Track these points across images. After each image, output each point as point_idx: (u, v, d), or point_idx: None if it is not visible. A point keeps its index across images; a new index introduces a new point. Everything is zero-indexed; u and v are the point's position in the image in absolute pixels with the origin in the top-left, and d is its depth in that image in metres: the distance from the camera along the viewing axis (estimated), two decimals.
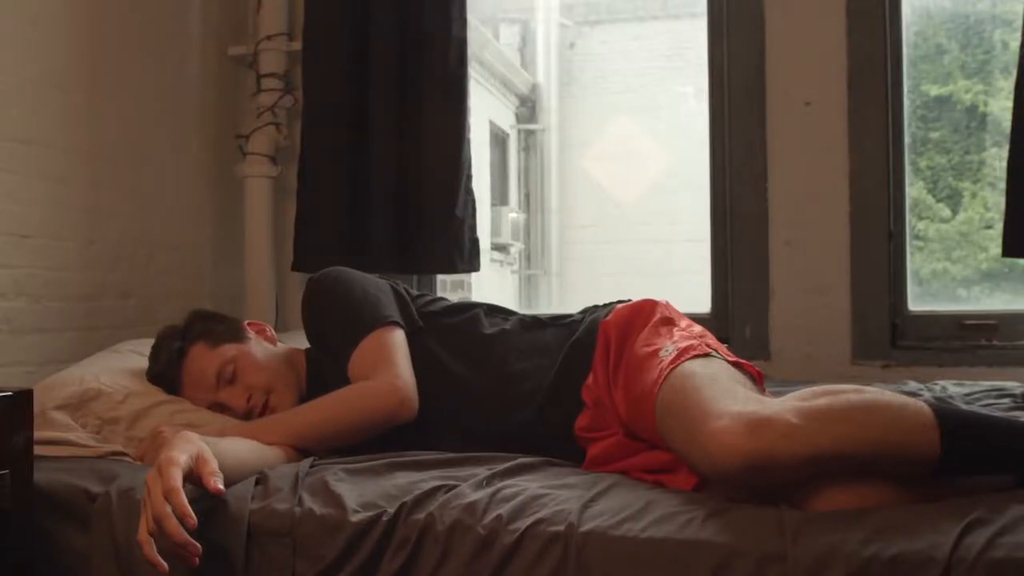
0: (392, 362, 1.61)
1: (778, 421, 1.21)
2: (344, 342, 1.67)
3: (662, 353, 1.48)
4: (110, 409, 1.72)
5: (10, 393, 1.37)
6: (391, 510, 1.29)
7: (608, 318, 1.65)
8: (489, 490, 1.31)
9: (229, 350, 1.74)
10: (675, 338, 1.53)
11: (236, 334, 1.79)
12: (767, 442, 1.20)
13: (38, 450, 1.55)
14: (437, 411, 1.65)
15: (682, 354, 1.45)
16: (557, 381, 1.65)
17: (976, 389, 1.95)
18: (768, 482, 1.24)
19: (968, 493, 1.25)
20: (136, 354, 1.97)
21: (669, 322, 1.61)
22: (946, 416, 1.26)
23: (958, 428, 1.25)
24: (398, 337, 1.68)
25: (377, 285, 1.79)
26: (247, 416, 1.70)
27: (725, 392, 1.33)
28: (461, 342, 1.75)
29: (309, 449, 1.55)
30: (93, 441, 1.68)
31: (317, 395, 1.65)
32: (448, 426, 1.65)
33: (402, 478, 1.38)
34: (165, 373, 1.77)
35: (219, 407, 1.73)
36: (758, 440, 1.20)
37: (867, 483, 1.24)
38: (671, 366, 1.43)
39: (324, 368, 1.76)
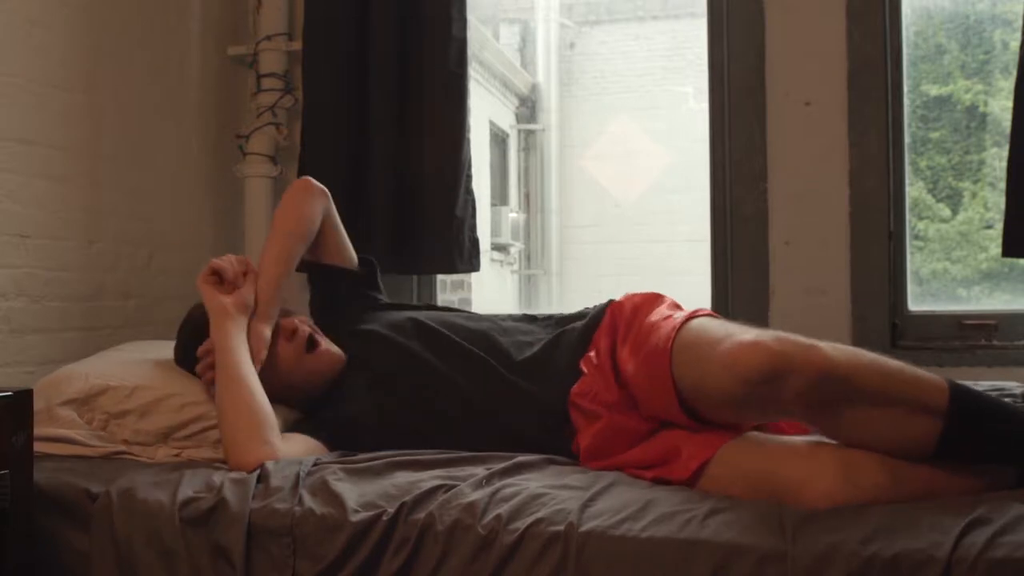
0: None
1: (802, 339, 1.31)
2: None
3: (676, 316, 1.56)
4: (117, 403, 1.72)
5: (10, 393, 1.37)
6: (391, 510, 1.29)
7: (620, 300, 1.72)
8: (489, 489, 1.31)
9: None
10: (685, 311, 1.61)
11: None
12: (790, 346, 1.28)
13: (40, 447, 1.56)
14: (434, 374, 1.69)
15: (694, 314, 1.55)
16: (549, 351, 1.70)
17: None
18: (781, 394, 1.28)
19: (967, 492, 1.25)
20: (140, 352, 1.98)
21: (678, 307, 1.68)
22: (956, 384, 1.32)
23: (965, 395, 1.31)
24: None
25: None
26: (303, 343, 1.75)
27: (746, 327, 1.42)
28: (449, 317, 1.83)
29: (299, 248, 1.82)
30: (96, 439, 1.68)
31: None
32: (447, 388, 1.68)
33: (402, 477, 1.38)
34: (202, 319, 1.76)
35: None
36: (783, 344, 1.29)
37: (863, 471, 1.27)
38: (686, 319, 1.51)
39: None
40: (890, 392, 1.29)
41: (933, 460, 1.30)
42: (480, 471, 1.39)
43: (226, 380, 1.60)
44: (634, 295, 1.73)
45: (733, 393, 1.32)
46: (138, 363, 1.87)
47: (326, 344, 1.75)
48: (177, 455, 1.67)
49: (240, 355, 1.62)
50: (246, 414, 1.55)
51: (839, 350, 1.31)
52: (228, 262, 1.69)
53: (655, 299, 1.70)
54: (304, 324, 1.76)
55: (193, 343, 1.75)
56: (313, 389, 1.77)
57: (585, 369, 1.63)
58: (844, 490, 1.24)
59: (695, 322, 1.50)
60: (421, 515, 1.28)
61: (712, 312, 1.60)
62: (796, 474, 1.30)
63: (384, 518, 1.28)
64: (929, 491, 1.26)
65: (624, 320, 1.66)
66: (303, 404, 1.77)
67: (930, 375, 1.32)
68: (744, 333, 1.35)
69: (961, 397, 1.29)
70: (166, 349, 2.01)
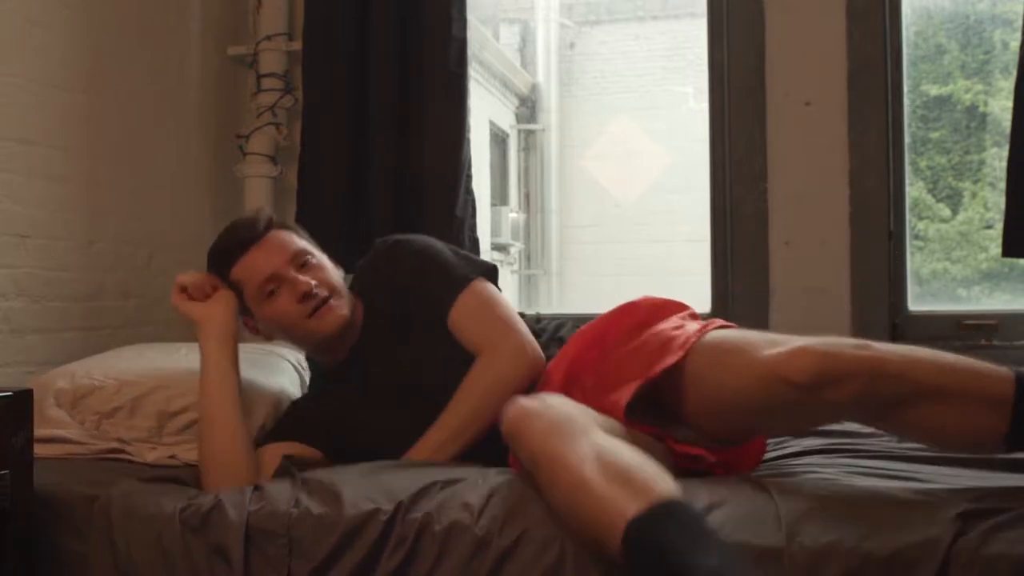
0: (504, 320, 1.64)
1: (850, 340, 1.28)
2: (442, 295, 1.68)
3: (688, 327, 1.48)
4: (106, 402, 1.73)
5: (10, 393, 1.37)
6: (388, 508, 1.29)
7: (637, 301, 1.64)
8: (486, 489, 1.31)
9: (312, 248, 1.75)
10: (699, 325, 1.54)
11: (317, 248, 1.79)
12: (839, 348, 1.24)
13: (35, 448, 1.56)
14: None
15: (707, 326, 1.47)
16: None
17: None
18: (837, 397, 1.24)
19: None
20: (133, 353, 1.98)
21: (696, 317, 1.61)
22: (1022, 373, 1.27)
23: None
24: (493, 288, 1.71)
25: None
26: (302, 304, 1.64)
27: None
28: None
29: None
30: (90, 438, 1.69)
31: (364, 341, 1.71)
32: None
33: (401, 476, 1.38)
34: (241, 234, 1.70)
35: (276, 281, 1.66)
36: (833, 347, 1.25)
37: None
38: (700, 334, 1.43)
39: (377, 324, 1.74)
40: (949, 386, 1.24)
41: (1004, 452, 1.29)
42: (476, 473, 1.39)
43: (204, 413, 1.58)
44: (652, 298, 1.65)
45: (779, 398, 1.27)
46: (126, 361, 1.88)
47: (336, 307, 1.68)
48: (172, 457, 1.67)
49: (222, 378, 1.58)
50: (218, 457, 1.53)
51: (890, 348, 1.27)
52: (193, 279, 1.67)
53: (663, 308, 1.60)
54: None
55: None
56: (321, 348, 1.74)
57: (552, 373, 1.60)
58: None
59: (713, 336, 1.43)
60: (419, 514, 1.28)
61: (727, 323, 1.53)
62: (774, 341, 1.32)
63: (381, 517, 1.28)
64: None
65: (627, 325, 1.57)
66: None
67: (992, 365, 1.28)
68: (788, 341, 1.30)
69: None
70: (162, 350, 2.01)
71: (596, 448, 1.17)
